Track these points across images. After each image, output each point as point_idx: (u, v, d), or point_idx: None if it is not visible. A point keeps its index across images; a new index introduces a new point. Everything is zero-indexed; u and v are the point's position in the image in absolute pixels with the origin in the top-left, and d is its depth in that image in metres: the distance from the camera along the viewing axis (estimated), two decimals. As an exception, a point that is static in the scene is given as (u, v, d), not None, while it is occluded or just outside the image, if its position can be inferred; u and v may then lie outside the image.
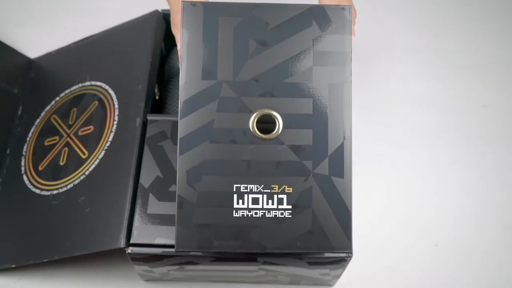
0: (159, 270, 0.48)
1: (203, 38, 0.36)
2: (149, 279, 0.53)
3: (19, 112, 0.60)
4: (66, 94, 0.58)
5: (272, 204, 0.35)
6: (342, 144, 0.36)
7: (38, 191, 0.52)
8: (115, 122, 0.51)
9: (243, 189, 0.35)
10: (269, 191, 0.35)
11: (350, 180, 0.36)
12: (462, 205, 0.59)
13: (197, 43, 0.36)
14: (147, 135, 0.49)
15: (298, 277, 0.50)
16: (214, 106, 0.35)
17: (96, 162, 0.50)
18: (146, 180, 0.47)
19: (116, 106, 0.53)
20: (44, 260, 0.48)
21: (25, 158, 0.56)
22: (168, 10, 0.57)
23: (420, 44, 0.72)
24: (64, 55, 0.63)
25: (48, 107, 0.58)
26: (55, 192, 0.51)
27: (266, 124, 0.36)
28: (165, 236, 0.44)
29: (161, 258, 0.45)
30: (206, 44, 0.36)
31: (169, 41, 0.60)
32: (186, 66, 0.36)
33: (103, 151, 0.50)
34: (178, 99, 0.56)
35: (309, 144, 0.35)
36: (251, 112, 0.35)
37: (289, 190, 0.35)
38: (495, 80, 0.69)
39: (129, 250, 0.44)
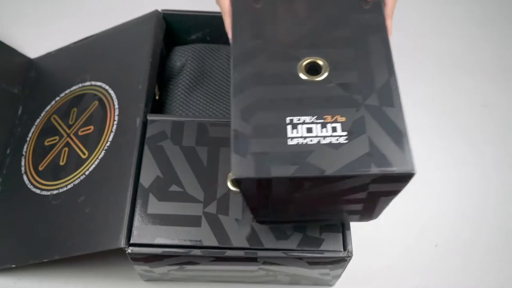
0: (159, 270, 0.48)
1: (256, 7, 0.40)
2: (149, 279, 0.53)
3: (19, 112, 0.60)
4: (66, 94, 0.58)
5: (326, 132, 0.35)
6: (388, 80, 0.37)
7: (38, 191, 0.52)
8: (115, 122, 0.51)
9: (296, 120, 0.36)
10: (322, 121, 0.36)
11: (401, 109, 0.36)
12: (462, 205, 0.59)
13: (247, 11, 0.40)
14: (147, 135, 0.49)
15: (298, 277, 0.50)
16: (264, 58, 0.38)
17: (96, 162, 0.50)
18: (146, 180, 0.47)
19: (116, 106, 0.53)
20: (44, 260, 0.48)
21: (25, 158, 0.56)
22: (168, 11, 0.58)
23: (420, 44, 0.72)
24: (64, 55, 0.63)
25: (48, 107, 0.58)
26: (55, 192, 0.51)
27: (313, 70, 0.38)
28: (165, 236, 0.44)
29: (161, 258, 0.45)
30: (257, 12, 0.40)
31: (169, 41, 0.60)
32: (236, 29, 0.39)
33: (103, 151, 0.50)
34: (178, 99, 0.57)
35: (355, 82, 0.37)
36: (298, 60, 0.38)
37: (342, 119, 0.36)
38: (495, 80, 0.69)
39: (129, 250, 0.44)
